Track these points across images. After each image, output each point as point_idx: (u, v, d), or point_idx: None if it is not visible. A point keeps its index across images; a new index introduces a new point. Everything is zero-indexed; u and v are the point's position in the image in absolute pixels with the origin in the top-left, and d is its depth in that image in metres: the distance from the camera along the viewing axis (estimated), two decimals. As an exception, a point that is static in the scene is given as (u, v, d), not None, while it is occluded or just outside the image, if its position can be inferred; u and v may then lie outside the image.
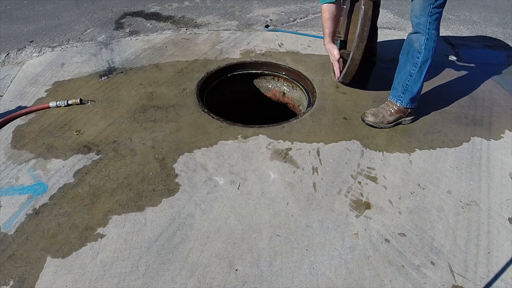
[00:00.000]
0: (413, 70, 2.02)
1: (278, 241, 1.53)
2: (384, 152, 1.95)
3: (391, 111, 2.10)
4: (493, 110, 2.26)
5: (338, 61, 2.18)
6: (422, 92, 2.38)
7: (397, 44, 2.90)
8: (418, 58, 1.99)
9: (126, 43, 2.93)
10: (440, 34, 3.10)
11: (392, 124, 2.12)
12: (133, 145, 1.97)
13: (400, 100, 2.09)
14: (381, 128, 2.11)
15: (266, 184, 1.77)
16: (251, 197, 1.71)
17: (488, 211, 1.66)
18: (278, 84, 2.71)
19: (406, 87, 2.06)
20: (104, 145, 1.97)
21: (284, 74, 2.63)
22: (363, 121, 2.14)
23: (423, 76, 2.02)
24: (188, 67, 2.59)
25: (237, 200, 1.69)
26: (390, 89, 2.39)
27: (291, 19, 3.39)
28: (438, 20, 1.93)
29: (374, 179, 1.80)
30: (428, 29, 1.93)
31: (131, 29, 3.17)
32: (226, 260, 1.47)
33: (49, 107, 2.22)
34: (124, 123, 2.12)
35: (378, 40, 2.65)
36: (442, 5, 1.90)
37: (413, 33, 2.01)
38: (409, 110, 2.11)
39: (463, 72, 2.59)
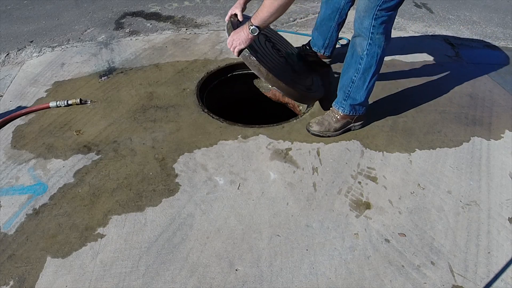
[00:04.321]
0: (355, 76, 1.87)
1: (278, 241, 1.53)
2: (384, 152, 1.95)
3: (336, 117, 1.99)
4: (493, 110, 2.26)
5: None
6: (422, 92, 2.38)
7: (396, 45, 2.91)
8: (360, 64, 1.83)
9: (126, 43, 2.93)
10: (440, 34, 3.13)
11: (340, 131, 2.02)
12: (133, 145, 1.97)
13: (342, 107, 1.97)
14: (328, 136, 2.00)
15: (266, 184, 1.77)
16: (251, 197, 1.71)
17: (488, 211, 1.67)
18: (278, 84, 2.71)
19: (348, 93, 1.93)
20: (104, 145, 1.97)
21: (284, 74, 2.63)
22: (308, 131, 2.03)
23: (366, 83, 1.87)
24: (188, 67, 2.59)
25: (237, 200, 1.69)
26: (387, 90, 2.40)
27: (291, 19, 3.38)
28: (386, 23, 1.73)
29: (374, 179, 1.80)
30: (372, 33, 1.74)
31: (131, 29, 3.17)
32: (226, 260, 1.47)
33: (49, 107, 2.22)
34: (124, 123, 2.12)
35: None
36: (391, 9, 1.69)
37: (355, 36, 1.83)
38: (356, 116, 2.00)
39: (463, 72, 2.59)
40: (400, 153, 1.94)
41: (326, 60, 2.51)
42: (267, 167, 1.85)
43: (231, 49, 1.84)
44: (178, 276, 1.41)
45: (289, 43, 2.55)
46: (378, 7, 1.67)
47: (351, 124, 2.03)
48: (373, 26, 1.73)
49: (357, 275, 1.42)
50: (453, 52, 2.84)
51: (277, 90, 1.99)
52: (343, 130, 2.03)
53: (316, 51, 2.47)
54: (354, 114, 1.98)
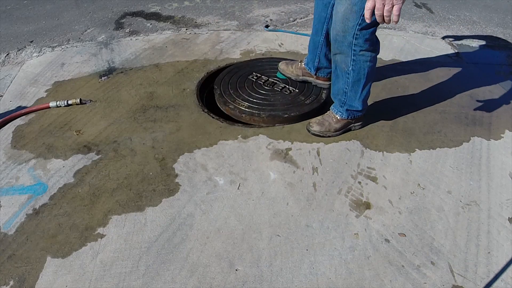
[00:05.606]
0: (346, 88, 1.81)
1: (278, 241, 1.53)
2: (384, 152, 1.95)
3: (337, 118, 1.97)
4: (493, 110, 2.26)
5: None
6: (422, 92, 2.39)
7: (396, 45, 2.91)
8: (348, 79, 1.77)
9: (126, 43, 2.93)
10: (440, 35, 3.13)
11: (341, 131, 1.99)
12: (133, 145, 1.97)
13: (340, 112, 1.94)
14: (329, 136, 1.99)
15: (266, 184, 1.77)
16: (251, 197, 1.71)
17: (488, 211, 1.66)
18: (278, 84, 2.71)
19: (343, 101, 1.90)
20: (104, 145, 1.97)
21: (284, 74, 2.63)
22: (309, 131, 2.01)
23: (359, 93, 1.81)
24: (188, 67, 2.59)
25: (237, 200, 1.69)
26: (387, 90, 2.40)
27: (291, 19, 3.38)
28: (369, 40, 1.62)
29: (374, 179, 1.80)
30: (355, 51, 1.62)
31: (131, 29, 3.17)
32: (226, 260, 1.47)
33: (49, 107, 2.22)
34: (124, 123, 2.12)
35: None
36: (373, 24, 1.57)
37: (335, 54, 1.71)
38: (355, 117, 1.98)
39: (463, 72, 2.59)
40: (400, 153, 1.94)
41: (324, 83, 2.24)
42: (267, 167, 1.85)
43: (389, 8, 1.30)
44: (178, 276, 1.41)
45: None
46: (358, 26, 1.57)
47: (352, 125, 2.03)
48: (355, 44, 1.63)
49: (357, 275, 1.42)
50: (453, 52, 2.84)
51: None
52: (344, 130, 2.02)
53: (308, 70, 2.25)
54: (352, 117, 1.98)
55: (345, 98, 1.89)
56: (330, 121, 1.99)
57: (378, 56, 2.62)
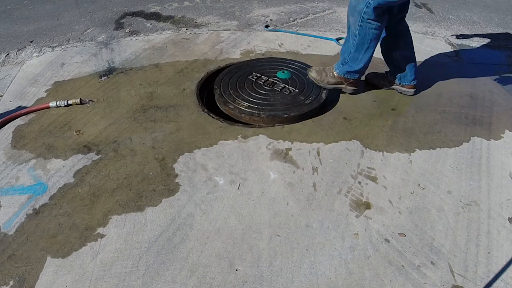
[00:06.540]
0: (352, 49, 2.05)
1: (278, 241, 1.53)
2: (384, 152, 1.95)
3: (333, 73, 2.20)
4: (493, 110, 2.26)
5: None
6: (422, 92, 2.39)
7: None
8: (354, 40, 2.01)
9: (126, 43, 2.93)
10: (440, 35, 3.13)
11: (332, 86, 2.23)
12: (133, 145, 1.97)
13: (339, 69, 2.18)
14: (321, 86, 2.25)
15: (266, 184, 1.77)
16: (251, 197, 1.71)
17: (488, 211, 1.66)
18: (278, 84, 2.71)
19: (346, 60, 2.13)
20: (104, 145, 1.97)
21: (284, 74, 2.63)
22: (307, 74, 2.29)
23: (361, 56, 2.04)
24: (188, 67, 2.59)
25: (237, 200, 1.69)
26: (387, 90, 2.40)
27: (291, 19, 3.38)
28: (379, 9, 1.84)
29: (374, 179, 1.80)
30: (363, 17, 1.87)
31: (131, 29, 3.17)
32: (226, 260, 1.47)
33: (49, 107, 2.22)
34: (124, 123, 2.12)
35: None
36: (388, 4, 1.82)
37: (349, 15, 1.98)
38: (350, 80, 2.18)
39: (463, 72, 2.59)
40: (400, 153, 1.94)
41: (409, 90, 2.33)
42: (267, 167, 1.85)
43: None
44: (178, 276, 1.41)
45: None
46: None
47: (344, 86, 2.21)
48: (364, 12, 1.85)
49: (357, 275, 1.42)
50: (453, 52, 2.84)
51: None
52: (335, 87, 2.24)
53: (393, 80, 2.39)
54: (348, 77, 2.18)
55: (348, 58, 2.11)
56: (328, 73, 2.22)
57: (378, 56, 2.64)
